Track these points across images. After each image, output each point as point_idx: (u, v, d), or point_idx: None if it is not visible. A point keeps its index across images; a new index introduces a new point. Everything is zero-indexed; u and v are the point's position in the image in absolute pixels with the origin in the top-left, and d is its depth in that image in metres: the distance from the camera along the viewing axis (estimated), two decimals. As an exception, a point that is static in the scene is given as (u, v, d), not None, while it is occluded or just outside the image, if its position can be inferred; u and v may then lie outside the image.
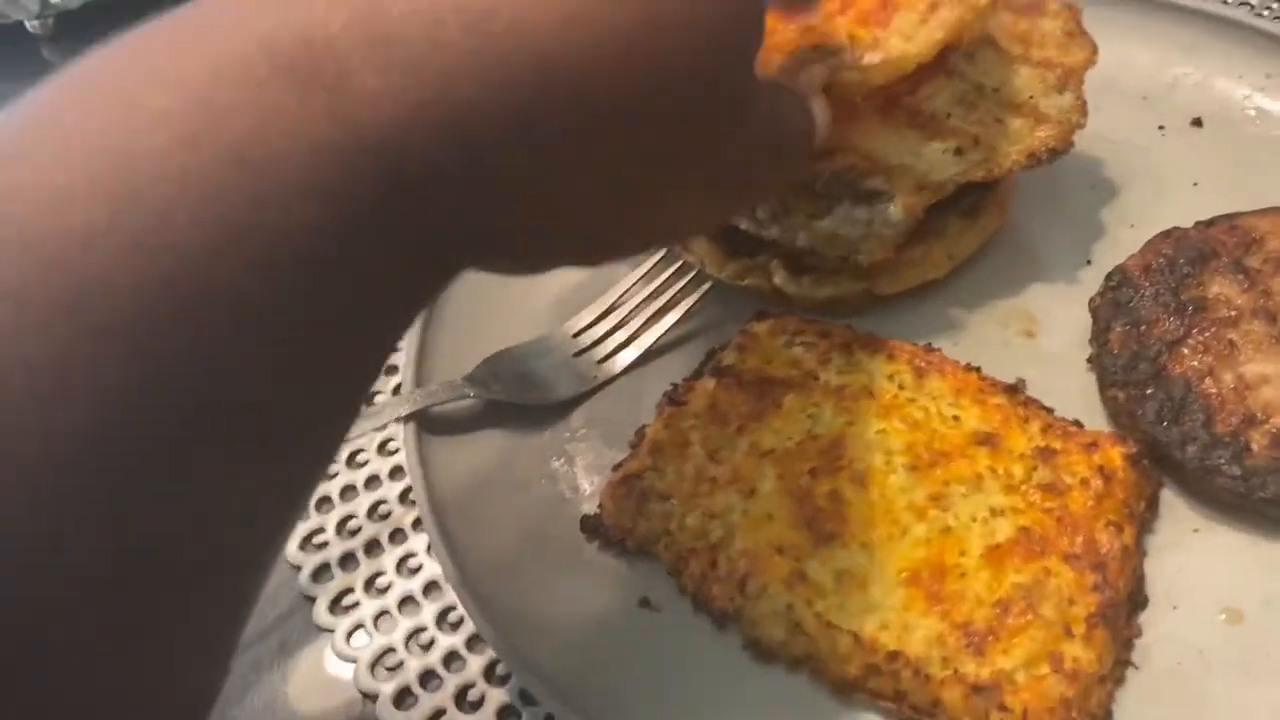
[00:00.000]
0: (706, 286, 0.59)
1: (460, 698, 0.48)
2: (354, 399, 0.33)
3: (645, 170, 0.35)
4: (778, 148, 0.42)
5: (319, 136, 0.28)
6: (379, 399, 0.59)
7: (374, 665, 0.50)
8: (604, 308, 0.60)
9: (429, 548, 0.53)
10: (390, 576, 0.53)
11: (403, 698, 0.49)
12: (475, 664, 0.49)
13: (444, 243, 0.32)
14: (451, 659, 0.50)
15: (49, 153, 0.26)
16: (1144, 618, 0.46)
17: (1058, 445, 0.48)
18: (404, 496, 0.56)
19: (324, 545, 0.54)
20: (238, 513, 0.29)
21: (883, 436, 0.49)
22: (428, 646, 0.50)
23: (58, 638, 0.26)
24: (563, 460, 0.55)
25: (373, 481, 0.57)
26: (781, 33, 0.54)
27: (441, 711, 0.48)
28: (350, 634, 0.51)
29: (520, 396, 0.57)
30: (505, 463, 0.54)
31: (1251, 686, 0.43)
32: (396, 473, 0.57)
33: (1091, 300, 0.55)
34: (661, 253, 0.61)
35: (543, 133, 0.31)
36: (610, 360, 0.59)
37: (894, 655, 0.43)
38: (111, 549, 0.26)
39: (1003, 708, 0.42)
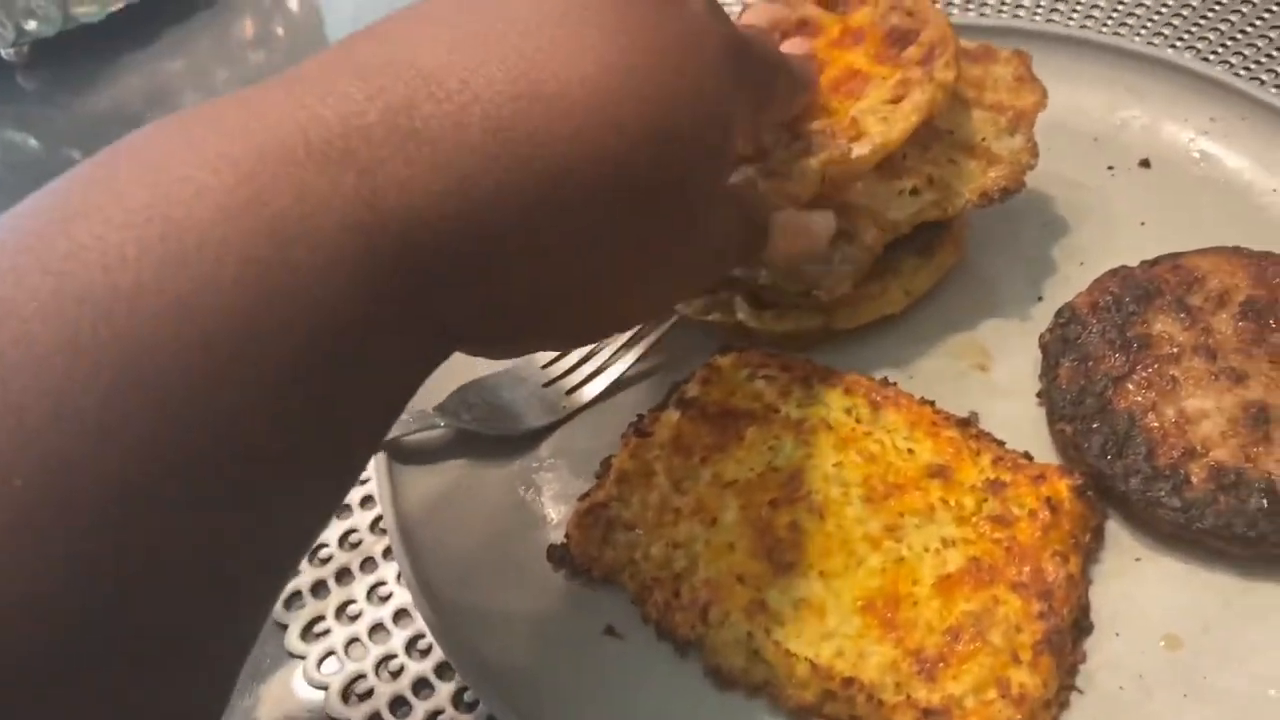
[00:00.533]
0: (672, 320, 0.61)
1: (429, 724, 0.49)
2: (365, 451, 0.36)
3: (623, 264, 0.40)
4: (729, 247, 0.49)
5: (348, 215, 0.31)
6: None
7: (345, 692, 0.51)
8: (573, 338, 0.61)
9: (399, 576, 0.54)
10: (361, 604, 0.54)
11: (373, 724, 0.50)
12: (444, 691, 0.50)
13: (448, 319, 0.36)
14: (421, 686, 0.51)
15: (105, 217, 0.28)
16: (1089, 644, 0.48)
17: (1007, 478, 0.50)
18: (375, 525, 0.57)
19: (296, 573, 0.55)
20: (252, 556, 0.32)
21: (840, 469, 0.51)
22: (398, 673, 0.51)
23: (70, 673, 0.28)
24: (530, 490, 0.56)
25: (344, 510, 0.58)
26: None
27: (410, 737, 0.49)
28: (321, 661, 0.52)
29: (490, 426, 0.58)
30: (474, 492, 0.56)
31: (1189, 710, 0.45)
32: (367, 501, 0.58)
33: (1041, 336, 0.57)
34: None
35: (545, 229, 0.35)
36: (579, 391, 0.60)
37: (849, 681, 0.45)
38: (143, 570, 0.28)
39: (952, 732, 0.44)
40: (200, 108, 0.32)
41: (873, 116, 0.54)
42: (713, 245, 0.46)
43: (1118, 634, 0.48)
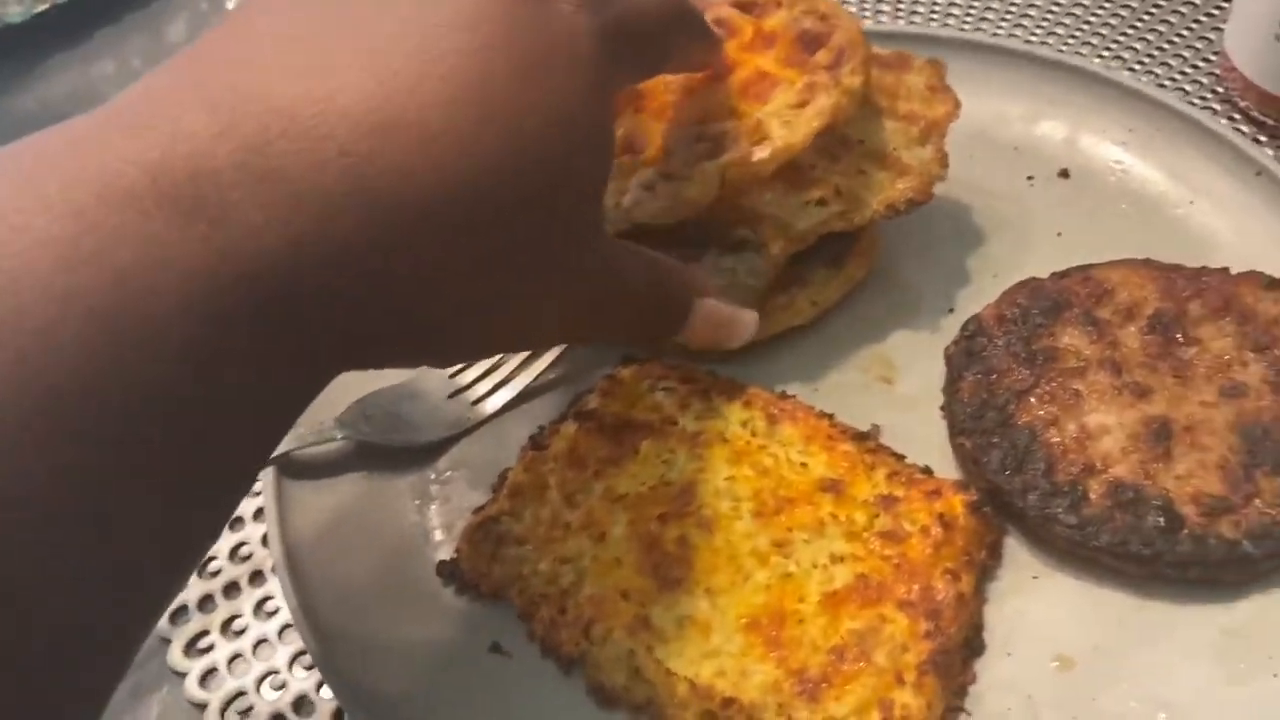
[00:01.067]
0: (582, 330, 0.60)
1: (307, 743, 0.48)
2: (242, 485, 0.35)
3: (491, 294, 0.38)
4: (617, 304, 0.45)
5: (200, 266, 0.30)
6: (249, 439, 0.59)
7: (225, 710, 0.50)
8: (480, 349, 0.60)
9: (283, 591, 0.53)
10: (247, 619, 0.53)
11: (251, 743, 0.49)
12: (325, 709, 0.49)
13: (320, 353, 0.35)
14: (302, 703, 0.50)
15: None
16: (980, 663, 0.47)
17: (900, 493, 0.49)
18: (266, 538, 0.56)
19: (182, 588, 0.54)
20: (120, 597, 0.31)
21: (732, 483, 0.50)
22: (280, 689, 0.50)
23: None
24: (426, 504, 0.55)
25: (236, 523, 0.57)
26: (670, 93, 0.56)
27: (288, 757, 0.48)
28: (204, 677, 0.51)
29: (390, 438, 0.57)
30: (366, 506, 0.54)
31: (1076, 732, 0.44)
32: (259, 514, 0.57)
33: (947, 349, 0.56)
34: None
35: (407, 263, 0.34)
36: (483, 402, 0.59)
37: (729, 701, 0.44)
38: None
39: (832, 754, 0.43)
40: (30, 141, 0.31)
41: (777, 120, 0.54)
42: (600, 295, 0.43)
43: (1009, 654, 0.47)
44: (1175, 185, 0.63)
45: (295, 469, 0.54)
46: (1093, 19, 0.79)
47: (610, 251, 0.44)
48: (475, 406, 0.59)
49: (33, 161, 0.30)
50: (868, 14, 0.82)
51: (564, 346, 0.59)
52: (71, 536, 0.28)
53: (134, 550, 0.30)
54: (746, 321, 0.52)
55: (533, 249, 0.38)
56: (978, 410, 0.53)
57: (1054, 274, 0.58)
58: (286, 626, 0.52)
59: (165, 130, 0.31)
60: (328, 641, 0.48)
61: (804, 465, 0.50)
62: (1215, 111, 0.71)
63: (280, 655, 0.51)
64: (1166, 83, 0.74)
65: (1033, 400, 0.53)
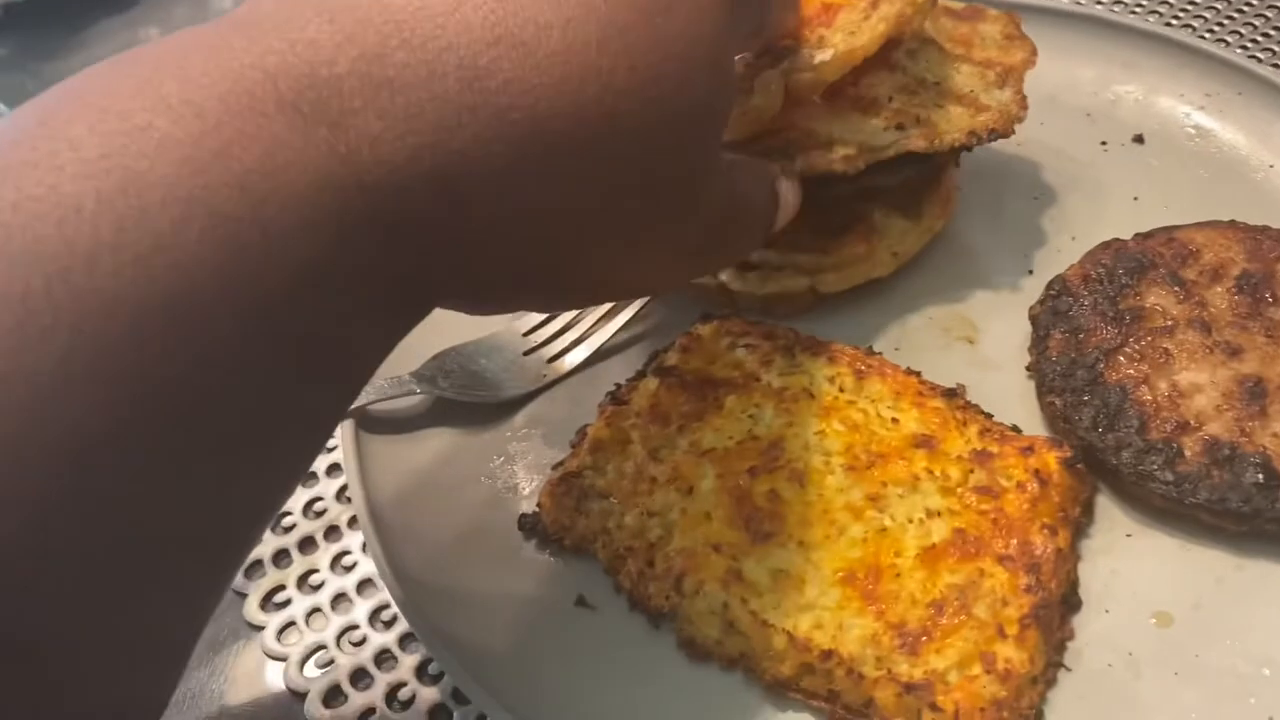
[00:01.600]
0: (656, 288, 0.59)
1: (391, 696, 0.47)
2: (334, 416, 0.34)
3: (611, 228, 0.37)
4: (736, 221, 0.45)
5: (321, 172, 0.29)
6: (319, 395, 0.58)
7: (304, 663, 0.49)
8: (553, 307, 0.59)
9: (364, 545, 0.52)
10: (324, 574, 0.52)
11: (333, 696, 0.48)
12: (407, 663, 0.48)
13: (424, 279, 0.34)
14: (383, 657, 0.49)
15: (56, 165, 0.26)
16: (1077, 620, 0.46)
17: (994, 449, 0.48)
18: (340, 493, 0.55)
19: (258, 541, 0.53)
20: (213, 524, 0.30)
21: (822, 438, 0.49)
22: (359, 644, 0.49)
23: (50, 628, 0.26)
24: (503, 459, 0.54)
25: (310, 478, 0.56)
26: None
27: (371, 710, 0.47)
28: (281, 631, 0.50)
29: (467, 394, 0.56)
30: (444, 461, 0.54)
31: (1179, 688, 0.44)
32: (334, 470, 0.56)
33: (1032, 308, 0.55)
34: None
35: (525, 186, 0.33)
36: (560, 359, 0.58)
37: (828, 654, 0.43)
38: (106, 536, 0.27)
39: (935, 707, 0.42)
40: (150, 49, 0.30)
41: (841, 33, 0.52)
42: (722, 213, 0.43)
43: (1107, 610, 0.46)
44: (1257, 148, 0.63)
45: (372, 423, 0.54)
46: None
47: (729, 171, 0.43)
48: (551, 363, 0.58)
49: (151, 66, 0.29)
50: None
51: (642, 304, 0.59)
52: (170, 446, 0.27)
53: (231, 468, 0.29)
54: (796, 190, 0.51)
55: (661, 179, 0.37)
56: (1067, 369, 0.52)
57: (1137, 235, 0.57)
58: (364, 582, 0.51)
59: (286, 37, 0.30)
60: (414, 592, 0.47)
61: (895, 421, 0.49)
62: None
63: (359, 610, 0.50)
64: (1240, 49, 0.73)
65: (1122, 359, 0.52)
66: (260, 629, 0.50)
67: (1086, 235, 0.59)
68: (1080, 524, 0.49)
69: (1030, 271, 0.59)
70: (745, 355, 0.53)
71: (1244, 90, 0.64)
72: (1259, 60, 0.72)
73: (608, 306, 0.59)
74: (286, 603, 0.51)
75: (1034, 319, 0.55)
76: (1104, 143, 0.65)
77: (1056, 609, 0.45)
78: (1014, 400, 0.53)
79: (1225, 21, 0.75)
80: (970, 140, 0.54)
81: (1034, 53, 0.58)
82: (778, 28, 0.51)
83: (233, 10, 0.34)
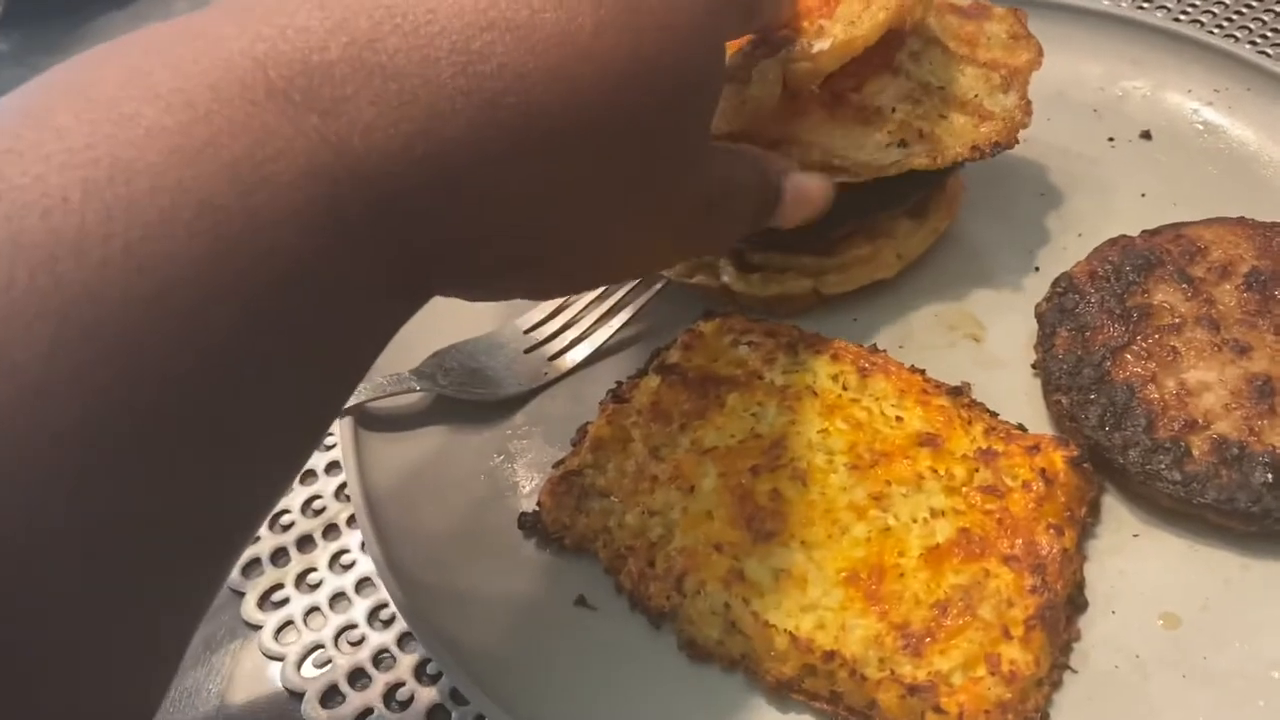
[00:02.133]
0: (658, 286, 0.59)
1: (389, 697, 0.47)
2: (330, 407, 0.34)
3: (603, 209, 0.37)
4: (725, 204, 0.44)
5: (312, 160, 0.29)
6: (318, 393, 0.58)
7: (302, 662, 0.49)
8: (556, 304, 0.59)
9: (363, 544, 0.52)
10: (322, 572, 0.52)
11: (330, 696, 0.47)
12: (406, 662, 0.48)
13: (418, 267, 0.33)
14: (381, 657, 0.48)
15: (42, 155, 0.26)
16: (1083, 621, 0.46)
17: (1000, 447, 0.48)
18: (339, 492, 0.55)
19: (255, 539, 0.53)
20: (207, 520, 0.30)
21: (825, 436, 0.48)
22: (358, 643, 0.49)
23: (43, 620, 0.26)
24: (503, 457, 0.54)
25: (308, 476, 0.55)
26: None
27: (369, 710, 0.47)
28: (279, 630, 0.50)
29: (468, 392, 0.55)
30: (444, 459, 0.53)
31: (1187, 690, 0.43)
32: (333, 468, 0.56)
33: (1038, 306, 0.55)
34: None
35: (519, 172, 0.33)
36: (561, 357, 0.58)
37: (830, 655, 0.43)
38: (95, 533, 0.26)
39: (938, 709, 0.41)
40: (139, 36, 0.29)
41: (841, 23, 0.51)
42: (716, 196, 0.43)
43: (1114, 611, 0.46)
44: (1267, 144, 0.62)
45: (372, 421, 0.53)
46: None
47: (720, 155, 0.43)
48: (552, 361, 0.57)
49: (141, 53, 0.29)
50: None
51: (643, 302, 0.58)
52: (161, 437, 0.27)
53: (225, 460, 0.29)
54: (824, 185, 0.50)
55: (653, 162, 0.37)
56: (1074, 367, 0.51)
57: (1144, 232, 0.56)
58: (363, 580, 0.51)
59: (276, 24, 0.30)
60: (412, 592, 0.46)
61: (899, 419, 0.49)
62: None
63: (358, 609, 0.50)
64: (1254, 43, 0.72)
65: (1129, 357, 0.51)
66: (258, 628, 0.50)
67: (1093, 232, 0.58)
68: (1087, 524, 0.48)
69: (1036, 269, 0.59)
70: (748, 353, 0.53)
71: (1253, 86, 0.63)
72: (1268, 55, 0.71)
73: (609, 304, 0.58)
74: (284, 601, 0.51)
75: (1040, 316, 0.54)
76: (1111, 139, 0.65)
77: (1062, 610, 0.45)
78: (1020, 398, 0.53)
79: (1234, 17, 0.75)
80: (974, 155, 0.54)
81: (1040, 53, 0.57)
82: (773, 14, 0.50)
83: None
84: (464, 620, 0.47)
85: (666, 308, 0.59)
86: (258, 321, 0.28)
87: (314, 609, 0.50)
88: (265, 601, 0.51)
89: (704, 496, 0.47)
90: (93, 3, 0.89)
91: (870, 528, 0.46)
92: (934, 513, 0.46)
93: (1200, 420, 0.49)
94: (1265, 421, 0.48)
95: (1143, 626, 0.45)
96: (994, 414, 0.51)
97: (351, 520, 0.53)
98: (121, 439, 0.26)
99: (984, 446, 0.48)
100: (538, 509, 0.50)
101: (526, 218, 0.35)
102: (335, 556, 0.52)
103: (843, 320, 0.56)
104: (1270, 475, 0.46)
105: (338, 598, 0.51)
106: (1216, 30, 0.74)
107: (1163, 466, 0.48)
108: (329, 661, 0.48)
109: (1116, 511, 0.49)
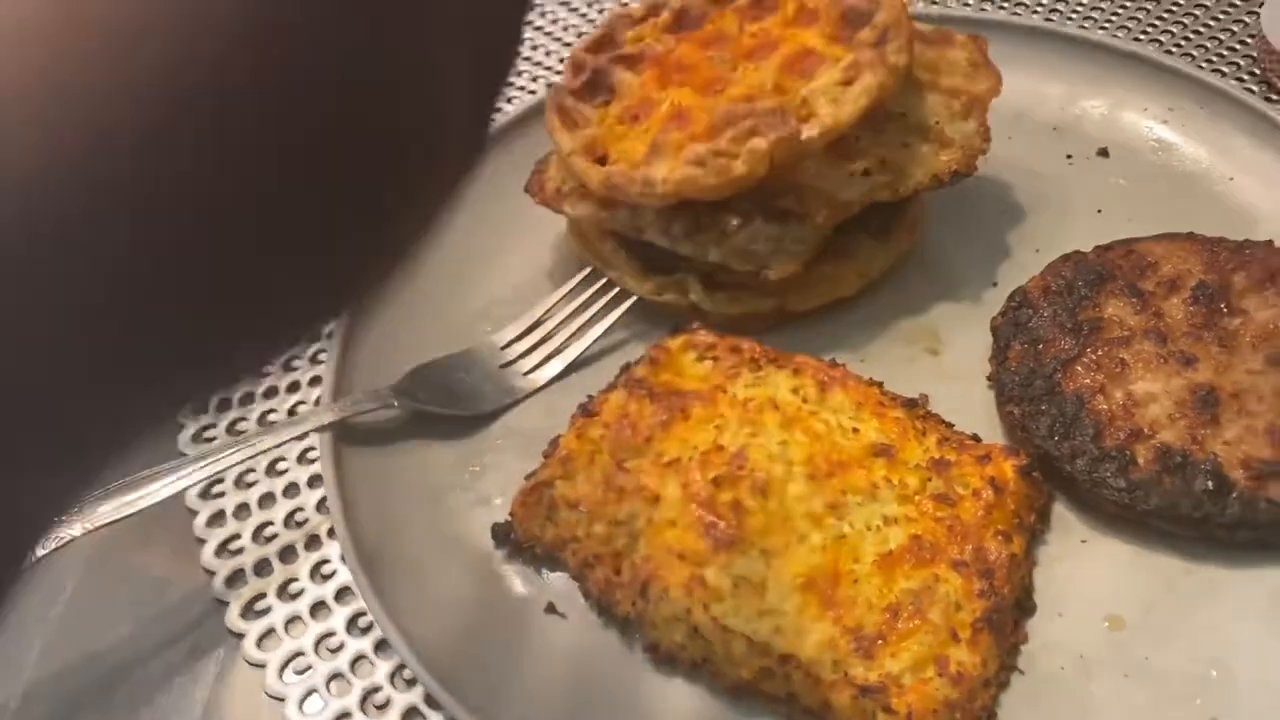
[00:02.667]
0: (631, 302, 0.61)
1: (366, 701, 0.49)
2: None
3: None
4: None
5: None
6: (301, 408, 0.60)
7: (283, 669, 0.50)
8: (531, 321, 0.61)
9: (343, 555, 0.53)
10: (304, 582, 0.54)
11: (310, 701, 0.49)
12: (383, 668, 0.50)
13: None
14: (359, 663, 0.50)
15: None
16: (1031, 624, 0.48)
17: (952, 457, 0.50)
18: (321, 504, 0.56)
19: (239, 551, 0.55)
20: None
21: (784, 447, 0.50)
22: (337, 650, 0.51)
23: None
24: (479, 469, 0.56)
25: (291, 489, 0.57)
26: (715, 68, 0.57)
27: (347, 714, 0.48)
28: (261, 639, 0.52)
29: (445, 407, 0.57)
30: (422, 472, 0.55)
31: (1129, 690, 0.45)
32: (315, 481, 0.57)
33: (993, 320, 0.57)
34: (586, 270, 0.62)
35: None
36: (536, 372, 0.60)
37: (786, 658, 0.44)
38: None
39: (888, 710, 0.43)
40: None
41: (824, 98, 0.54)
42: None
43: (1060, 614, 0.48)
44: (1217, 162, 0.64)
45: (352, 435, 0.55)
46: (1130, 2, 0.79)
47: None
48: (526, 377, 0.59)
49: None
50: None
51: (616, 317, 0.60)
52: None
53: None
54: None
55: None
56: (1026, 379, 0.53)
57: (1097, 247, 0.58)
58: (343, 590, 0.53)
59: None
60: (387, 599, 0.48)
61: (855, 431, 0.51)
62: (1253, 92, 0.71)
63: (338, 618, 0.52)
64: (1204, 65, 0.74)
65: (1079, 369, 0.53)
66: (241, 636, 0.52)
67: (1050, 248, 0.60)
68: (1037, 531, 0.50)
69: (995, 284, 0.61)
70: (712, 368, 0.55)
71: (1206, 104, 0.65)
72: (1222, 74, 0.73)
73: (582, 321, 0.60)
74: (267, 610, 0.53)
75: (995, 330, 0.56)
76: (1069, 156, 0.67)
77: (1010, 613, 0.47)
78: (976, 410, 0.55)
79: (1190, 37, 0.77)
80: (933, 184, 0.56)
81: (999, 81, 0.59)
82: None
83: None
84: (438, 628, 0.48)
85: (637, 324, 0.61)
86: None
87: (295, 618, 0.52)
88: (249, 611, 0.53)
89: (667, 507, 0.49)
90: None
91: (826, 535, 0.47)
92: (887, 520, 0.48)
93: (1146, 430, 0.51)
94: (1208, 430, 0.50)
95: (1088, 629, 0.47)
96: (949, 425, 0.53)
97: (332, 532, 0.55)
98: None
99: (937, 456, 0.50)
100: (510, 519, 0.52)
101: None
102: (316, 567, 0.54)
103: (806, 335, 0.58)
104: (1211, 482, 0.48)
105: (318, 607, 0.53)
106: (1174, 50, 0.76)
107: (1109, 474, 0.50)
108: (309, 668, 0.50)
109: (1066, 519, 0.51)
